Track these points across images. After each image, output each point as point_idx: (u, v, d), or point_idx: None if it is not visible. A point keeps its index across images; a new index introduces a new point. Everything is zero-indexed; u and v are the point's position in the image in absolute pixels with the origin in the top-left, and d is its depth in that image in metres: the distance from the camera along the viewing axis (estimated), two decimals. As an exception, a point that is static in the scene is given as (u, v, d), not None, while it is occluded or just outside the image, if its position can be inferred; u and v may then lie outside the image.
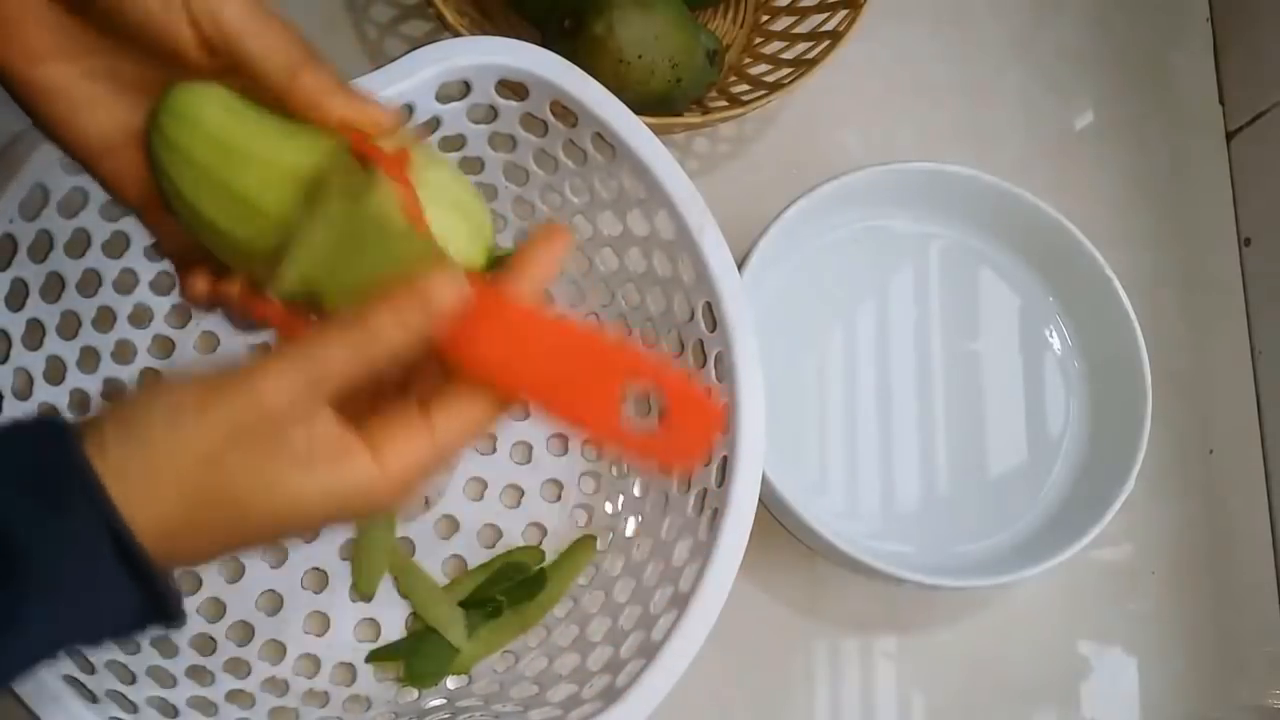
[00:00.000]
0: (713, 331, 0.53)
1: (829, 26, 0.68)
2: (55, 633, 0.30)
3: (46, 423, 0.31)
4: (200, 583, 0.57)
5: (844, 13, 0.67)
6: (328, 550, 0.59)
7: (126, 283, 0.57)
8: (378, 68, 0.51)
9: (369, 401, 0.34)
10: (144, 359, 0.59)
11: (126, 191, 0.37)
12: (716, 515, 0.49)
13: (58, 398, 0.54)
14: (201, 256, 0.37)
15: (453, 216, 0.35)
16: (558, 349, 0.34)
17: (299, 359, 0.31)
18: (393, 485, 0.33)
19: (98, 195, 0.53)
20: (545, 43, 0.54)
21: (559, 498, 0.62)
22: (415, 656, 0.57)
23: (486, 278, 0.35)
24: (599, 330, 0.33)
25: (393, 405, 0.34)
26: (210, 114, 0.35)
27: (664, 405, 0.34)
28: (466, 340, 0.33)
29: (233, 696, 0.53)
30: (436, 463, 0.34)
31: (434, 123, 0.55)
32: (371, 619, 0.58)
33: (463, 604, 0.58)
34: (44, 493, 0.29)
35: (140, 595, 0.30)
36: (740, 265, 0.55)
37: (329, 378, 0.32)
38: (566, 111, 0.54)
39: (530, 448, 0.63)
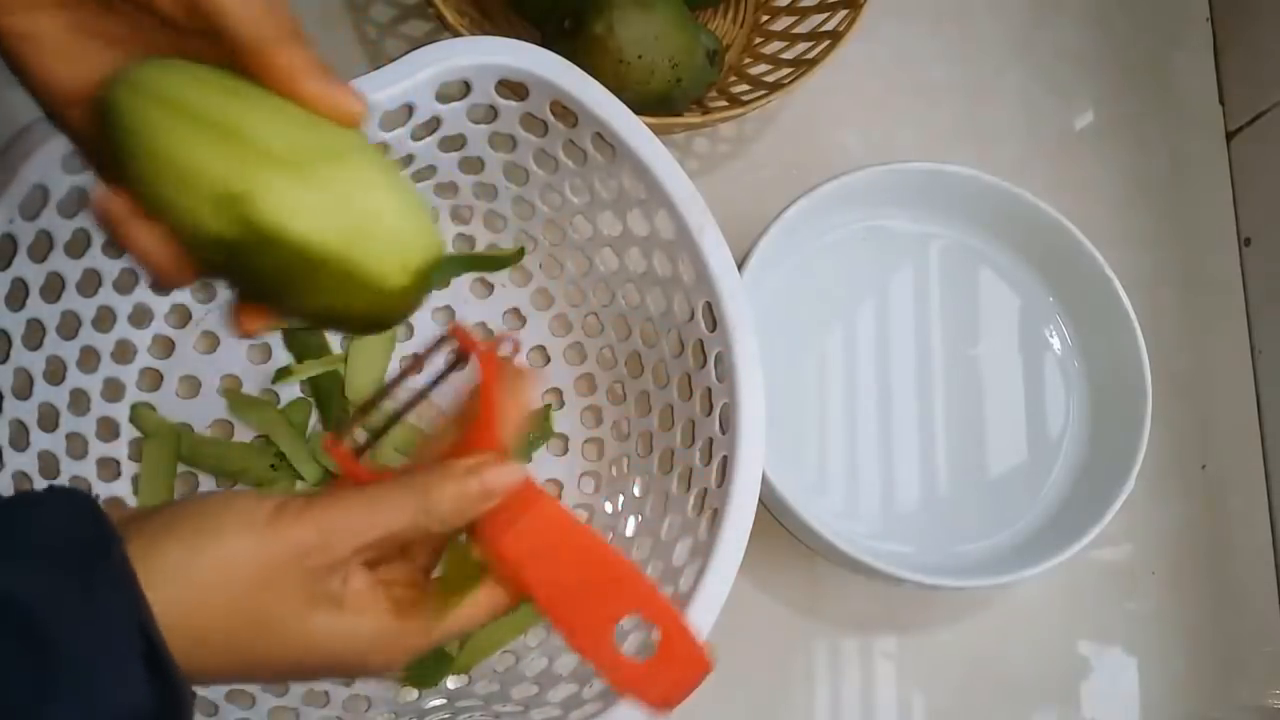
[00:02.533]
0: (713, 331, 0.53)
1: (829, 26, 0.68)
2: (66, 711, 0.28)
3: (81, 500, 0.30)
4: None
5: (844, 13, 0.67)
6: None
7: (126, 282, 0.57)
8: (378, 68, 0.51)
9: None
10: (144, 359, 0.59)
11: (88, 145, 0.36)
12: (716, 515, 0.49)
13: (58, 397, 0.54)
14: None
15: (395, 222, 0.35)
16: (576, 559, 0.36)
17: (358, 509, 0.33)
18: (406, 646, 0.34)
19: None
20: (545, 43, 0.54)
21: (559, 497, 0.62)
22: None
23: (534, 485, 0.37)
24: (617, 552, 0.36)
25: (425, 578, 0.36)
26: (164, 84, 0.33)
27: (658, 642, 0.36)
28: (504, 536, 0.36)
29: (233, 696, 0.53)
30: (445, 640, 0.36)
31: (434, 123, 0.55)
32: (371, 619, 0.58)
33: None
34: (83, 584, 0.28)
35: (156, 700, 0.29)
36: (740, 265, 0.55)
37: (383, 536, 0.33)
38: (566, 111, 0.54)
39: (530, 448, 0.63)
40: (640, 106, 0.54)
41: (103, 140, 0.34)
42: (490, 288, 0.65)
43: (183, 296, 0.60)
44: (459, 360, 0.39)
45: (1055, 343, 0.70)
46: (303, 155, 0.33)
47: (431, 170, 0.60)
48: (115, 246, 0.36)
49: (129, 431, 0.58)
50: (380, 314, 0.35)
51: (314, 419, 0.60)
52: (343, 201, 0.33)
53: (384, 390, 0.40)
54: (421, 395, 0.39)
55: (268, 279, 0.34)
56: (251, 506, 0.32)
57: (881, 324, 0.69)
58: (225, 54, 0.34)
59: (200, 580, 0.30)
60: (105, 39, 0.35)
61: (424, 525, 0.34)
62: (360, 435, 0.40)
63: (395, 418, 0.39)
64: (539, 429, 0.63)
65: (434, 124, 0.55)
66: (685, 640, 0.36)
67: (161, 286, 0.36)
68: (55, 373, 0.54)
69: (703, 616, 0.47)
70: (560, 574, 0.36)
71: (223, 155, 0.32)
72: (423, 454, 0.38)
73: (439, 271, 0.36)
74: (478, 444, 0.36)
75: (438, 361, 0.39)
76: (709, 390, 0.55)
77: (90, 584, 0.28)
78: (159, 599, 0.29)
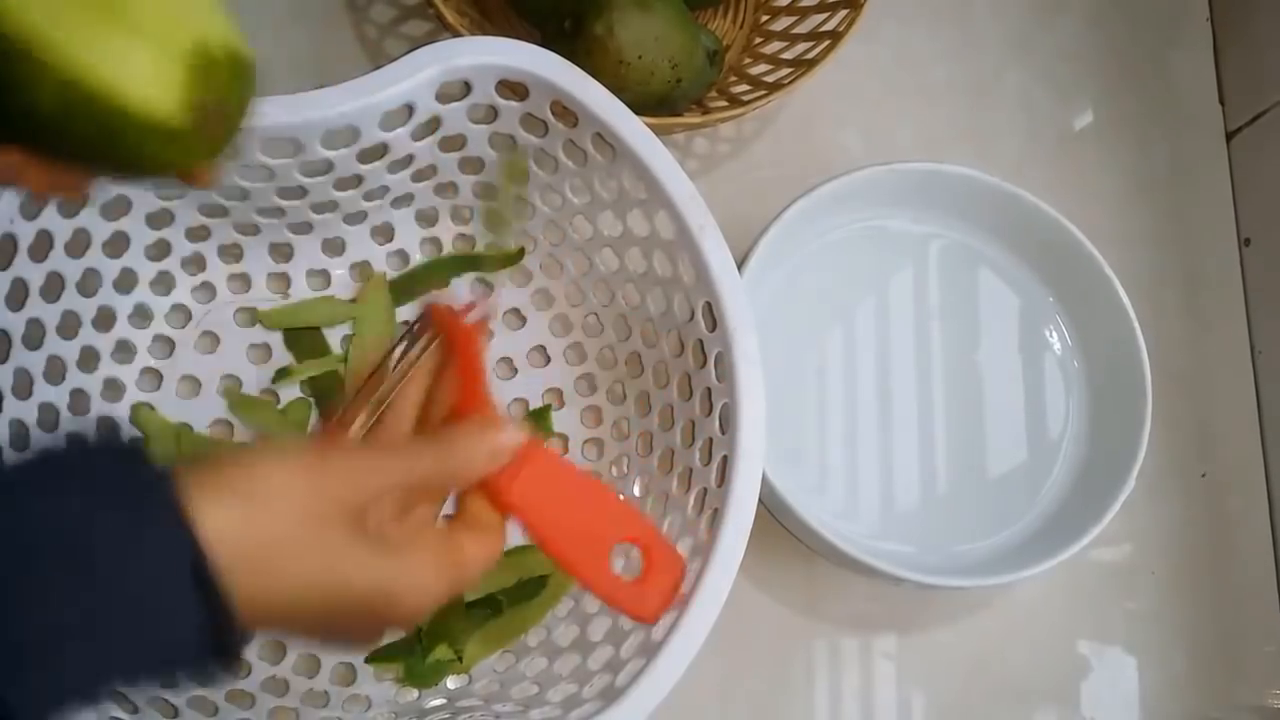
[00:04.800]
0: (713, 331, 0.53)
1: (829, 26, 0.68)
2: (118, 645, 0.28)
3: (130, 442, 0.31)
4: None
5: (844, 13, 0.67)
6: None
7: (127, 282, 0.57)
8: (378, 68, 0.51)
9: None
10: (144, 358, 0.59)
11: None
12: (716, 515, 0.49)
13: (58, 397, 0.54)
14: None
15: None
16: (573, 500, 0.40)
17: (399, 458, 0.37)
18: (429, 597, 0.36)
19: (98, 195, 0.53)
20: (545, 43, 0.54)
21: (559, 498, 0.62)
22: (415, 656, 0.57)
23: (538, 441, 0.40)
24: (606, 489, 0.43)
25: (434, 527, 0.40)
26: None
27: (645, 562, 0.40)
28: (512, 485, 0.39)
29: (233, 696, 0.53)
30: (462, 585, 0.38)
31: (434, 123, 0.55)
32: (371, 619, 0.58)
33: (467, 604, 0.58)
34: (133, 517, 0.29)
35: (202, 619, 0.29)
36: (740, 265, 0.55)
37: (417, 480, 0.37)
38: (567, 112, 0.54)
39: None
40: (640, 107, 0.54)
41: None
42: (490, 288, 0.65)
43: (182, 296, 0.60)
44: (439, 334, 0.43)
45: (1055, 343, 0.70)
46: None
47: (432, 170, 0.60)
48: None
49: (129, 431, 0.58)
50: (157, 148, 0.31)
51: (314, 419, 0.60)
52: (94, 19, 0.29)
53: (376, 374, 0.42)
54: (406, 372, 0.42)
55: (14, 113, 0.29)
56: (299, 447, 0.34)
57: (881, 324, 0.69)
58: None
59: (251, 507, 0.31)
60: None
61: (444, 478, 0.38)
62: (359, 421, 0.42)
63: (387, 396, 0.42)
64: (539, 429, 0.63)
65: (434, 124, 0.55)
66: (664, 551, 0.41)
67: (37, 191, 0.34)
68: (55, 373, 0.54)
69: (703, 616, 0.47)
70: (560, 515, 0.40)
71: None
72: (421, 427, 0.42)
73: (225, 90, 0.32)
74: (468, 409, 0.41)
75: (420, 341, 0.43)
76: (709, 390, 0.55)
77: (140, 517, 0.29)
78: (211, 534, 0.29)
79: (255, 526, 0.31)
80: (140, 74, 0.29)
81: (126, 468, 0.30)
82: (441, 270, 0.64)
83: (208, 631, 0.30)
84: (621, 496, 0.42)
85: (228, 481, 0.31)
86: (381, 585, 0.34)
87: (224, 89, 0.32)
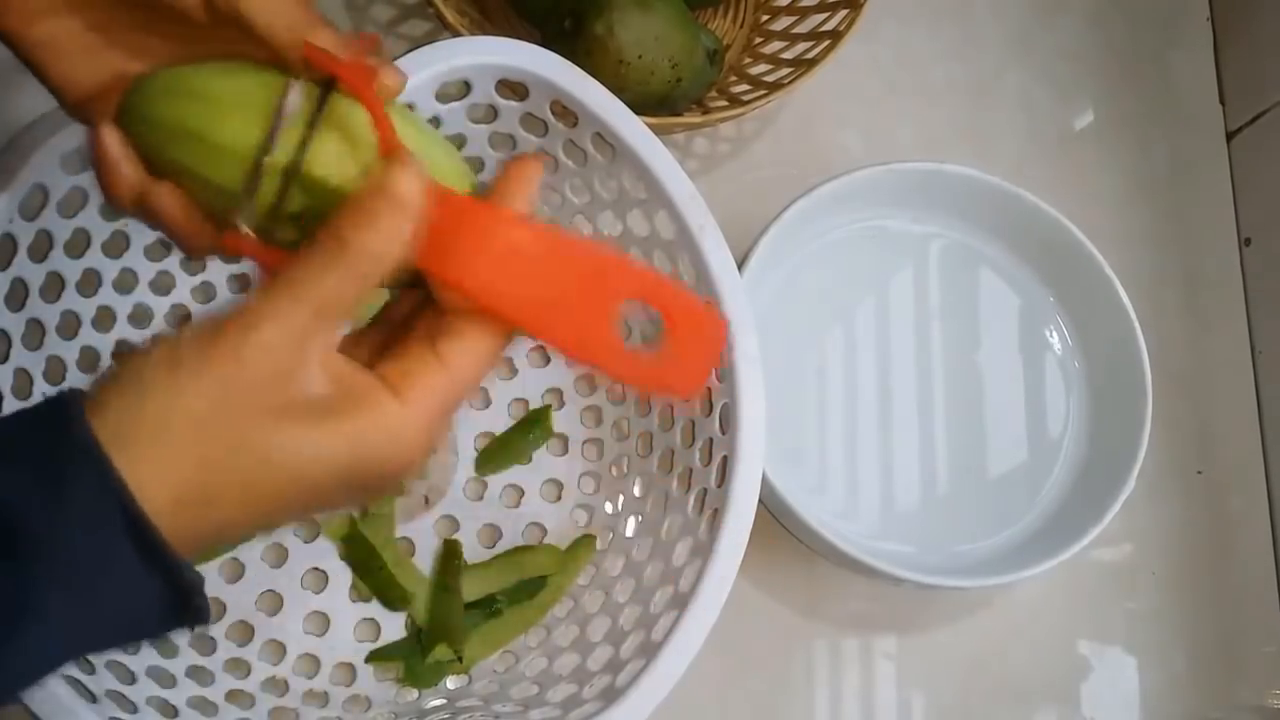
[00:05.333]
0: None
1: (829, 26, 0.68)
2: (73, 625, 0.27)
3: (54, 396, 0.29)
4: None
5: (844, 13, 0.67)
6: (327, 550, 0.58)
7: (126, 282, 0.57)
8: (378, 68, 0.51)
9: (377, 349, 0.34)
10: (144, 359, 0.59)
11: None
12: (716, 515, 0.49)
13: (58, 398, 0.54)
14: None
15: (433, 154, 0.35)
16: (547, 267, 0.32)
17: (288, 293, 0.30)
18: (420, 425, 0.31)
19: (97, 195, 0.53)
20: (545, 43, 0.54)
21: (559, 498, 0.62)
22: (415, 656, 0.57)
23: (468, 197, 0.34)
24: (591, 244, 0.31)
25: (402, 345, 0.33)
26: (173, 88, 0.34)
27: (663, 324, 0.32)
28: (456, 266, 0.32)
29: (232, 696, 0.53)
30: (457, 398, 0.32)
31: (434, 122, 0.55)
32: (371, 619, 0.58)
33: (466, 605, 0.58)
34: (49, 469, 0.27)
35: (158, 584, 0.28)
36: (740, 265, 0.55)
37: (325, 306, 0.30)
38: (566, 111, 0.54)
39: (530, 448, 0.63)
40: (640, 106, 0.54)
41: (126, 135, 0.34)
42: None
43: (182, 297, 0.60)
44: (326, 87, 0.33)
45: (1055, 343, 0.70)
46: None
47: (431, 170, 0.60)
48: (144, 216, 0.35)
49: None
50: None
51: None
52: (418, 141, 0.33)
53: (263, 151, 0.33)
54: (305, 142, 0.33)
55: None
56: (194, 345, 0.29)
57: (881, 324, 0.69)
58: (247, 48, 0.34)
59: (156, 436, 0.28)
60: (121, 37, 0.35)
61: (362, 274, 0.30)
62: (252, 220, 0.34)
63: (288, 174, 0.33)
64: (539, 429, 0.63)
65: (434, 124, 0.55)
66: (690, 309, 0.32)
67: (193, 251, 0.35)
68: (55, 373, 0.54)
69: (703, 617, 0.47)
70: (536, 289, 0.32)
71: (254, 123, 0.32)
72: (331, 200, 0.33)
73: None
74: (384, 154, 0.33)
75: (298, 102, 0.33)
76: (709, 390, 0.55)
77: (56, 461, 0.27)
78: (139, 472, 0.27)
79: (178, 465, 0.28)
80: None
81: (49, 435, 0.28)
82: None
83: (166, 597, 0.28)
84: (616, 251, 0.31)
85: (134, 425, 0.28)
86: (348, 458, 0.30)
87: None
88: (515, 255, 0.32)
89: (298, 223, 0.34)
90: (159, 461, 0.28)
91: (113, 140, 0.34)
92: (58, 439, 0.27)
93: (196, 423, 0.28)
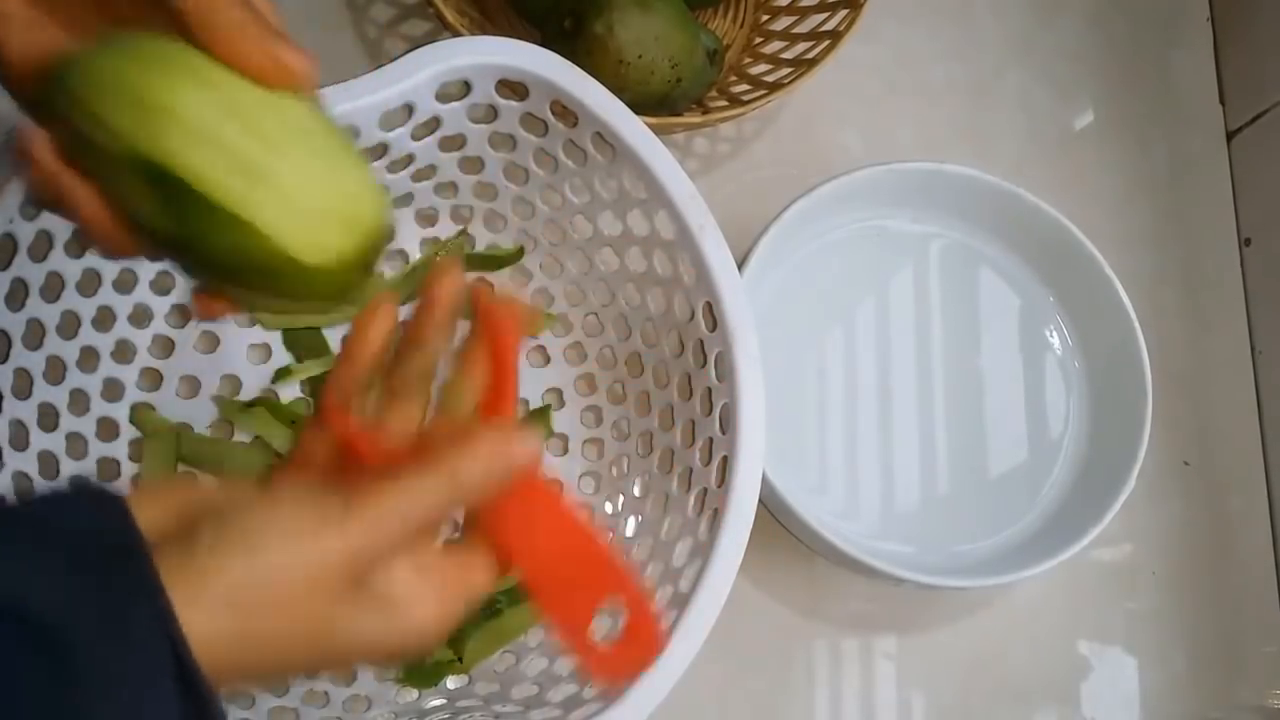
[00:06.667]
0: (713, 331, 0.53)
1: (829, 26, 0.68)
2: None
3: (110, 502, 0.29)
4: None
5: (844, 13, 0.67)
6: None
7: (126, 282, 0.57)
8: (378, 68, 0.51)
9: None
10: (144, 359, 0.59)
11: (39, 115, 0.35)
12: (716, 516, 0.49)
13: (57, 397, 0.54)
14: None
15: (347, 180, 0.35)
16: (567, 545, 0.36)
17: (401, 505, 0.32)
18: (442, 627, 0.34)
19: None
20: (545, 43, 0.54)
21: (559, 498, 0.62)
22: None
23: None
24: (604, 541, 0.36)
25: (439, 555, 0.35)
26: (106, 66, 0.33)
27: (625, 630, 0.36)
28: (502, 505, 0.35)
29: (233, 697, 0.53)
30: (468, 605, 0.35)
31: (434, 122, 0.55)
32: (371, 619, 0.58)
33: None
34: (106, 588, 0.27)
35: (185, 713, 0.28)
36: (740, 265, 0.55)
37: (418, 525, 0.33)
38: (567, 111, 0.54)
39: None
40: (640, 106, 0.54)
41: (47, 113, 0.34)
42: (490, 288, 0.65)
43: (183, 296, 0.60)
44: (473, 327, 0.38)
45: (1055, 343, 0.70)
46: (231, 134, 0.33)
47: (432, 170, 0.60)
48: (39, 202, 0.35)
49: (129, 431, 0.58)
50: (311, 293, 0.35)
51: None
52: (264, 180, 0.33)
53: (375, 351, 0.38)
54: (422, 356, 0.38)
55: (201, 257, 0.34)
56: (293, 513, 0.31)
57: (881, 324, 0.69)
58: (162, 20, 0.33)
59: (246, 597, 0.29)
60: (61, 11, 0.35)
61: (454, 506, 0.34)
62: (358, 407, 0.38)
63: (404, 380, 0.38)
64: (539, 429, 0.62)
65: (434, 124, 0.55)
66: (648, 625, 0.36)
67: (108, 252, 0.35)
68: (55, 373, 0.54)
69: (703, 617, 0.47)
70: (552, 559, 0.36)
71: (150, 131, 0.32)
72: (434, 424, 0.38)
73: (370, 253, 0.36)
74: (492, 413, 0.36)
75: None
76: (709, 390, 0.55)
77: (113, 594, 0.27)
78: (199, 615, 0.28)
79: (246, 625, 0.29)
80: (293, 235, 0.34)
81: (108, 551, 0.28)
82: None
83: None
84: (616, 553, 0.37)
85: (220, 582, 0.29)
86: (384, 642, 0.33)
87: (369, 248, 0.36)
88: (549, 528, 0.36)
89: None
90: (219, 616, 0.29)
91: (39, 147, 0.33)
92: (121, 568, 0.28)
93: (283, 592, 0.30)
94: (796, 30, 0.71)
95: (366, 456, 0.36)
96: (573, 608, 0.36)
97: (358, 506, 0.32)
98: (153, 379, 0.59)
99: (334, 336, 0.62)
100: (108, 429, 0.57)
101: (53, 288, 0.53)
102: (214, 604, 0.29)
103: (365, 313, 0.38)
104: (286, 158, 0.34)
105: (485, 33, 0.57)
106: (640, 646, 0.37)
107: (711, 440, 0.54)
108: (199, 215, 0.33)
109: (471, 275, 0.64)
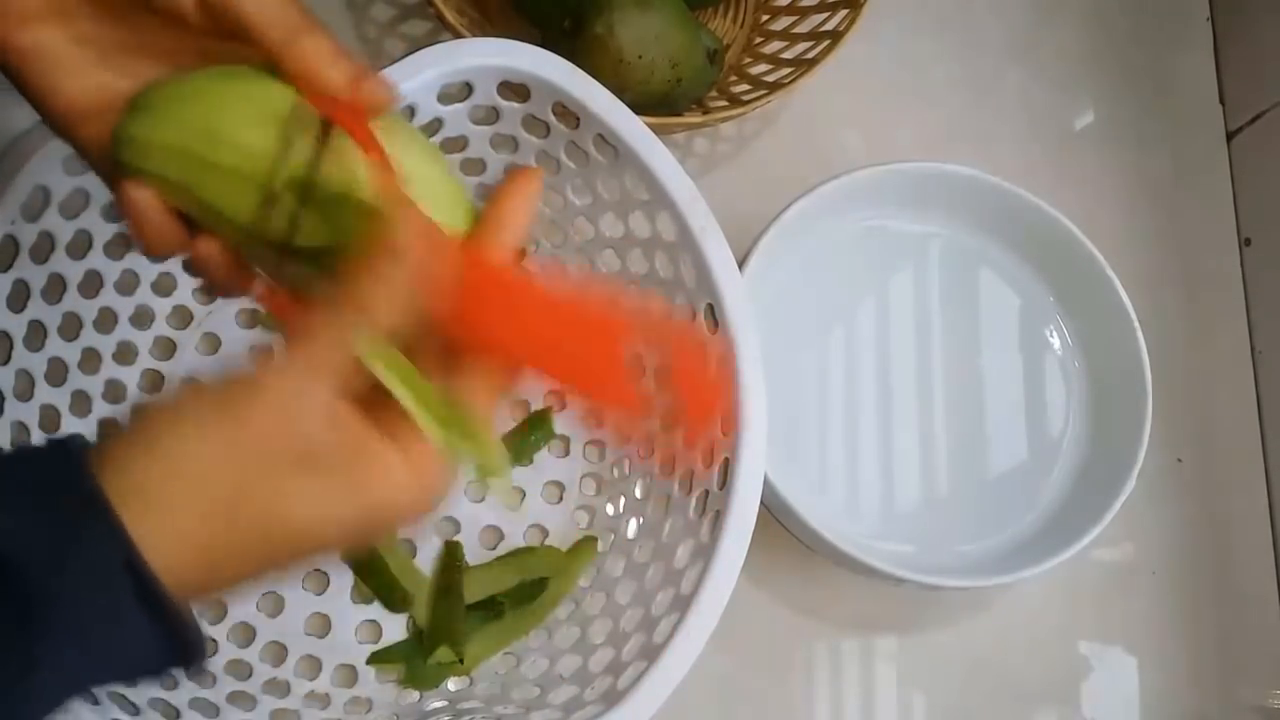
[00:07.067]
0: (714, 333, 0.53)
1: (829, 26, 0.68)
2: (78, 673, 0.28)
3: (58, 443, 0.29)
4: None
5: (844, 13, 0.67)
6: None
7: (128, 284, 0.57)
8: (378, 68, 0.51)
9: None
10: (145, 360, 0.59)
11: (101, 161, 0.35)
12: (718, 518, 0.49)
13: (59, 399, 0.54)
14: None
15: (430, 189, 0.34)
16: (552, 314, 0.33)
17: (299, 352, 0.30)
18: (425, 473, 0.31)
19: (99, 196, 0.53)
20: (545, 43, 0.54)
21: (560, 499, 0.62)
22: (416, 658, 0.57)
23: (469, 240, 0.34)
24: (591, 291, 0.33)
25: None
26: (180, 99, 0.34)
27: (667, 362, 0.33)
28: (462, 313, 0.32)
29: (234, 698, 0.53)
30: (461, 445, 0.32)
31: (436, 124, 0.55)
32: (373, 620, 0.58)
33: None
34: (57, 522, 0.27)
35: (160, 635, 0.28)
36: (740, 265, 0.55)
37: (331, 362, 0.30)
38: (568, 113, 0.54)
39: (531, 448, 0.63)
40: (640, 106, 0.54)
41: (118, 163, 0.34)
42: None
43: (184, 298, 0.60)
44: (325, 130, 0.33)
45: (1055, 343, 0.70)
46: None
47: (432, 171, 0.60)
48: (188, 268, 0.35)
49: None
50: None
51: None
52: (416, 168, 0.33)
53: (271, 175, 0.33)
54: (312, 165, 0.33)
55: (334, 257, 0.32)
56: (201, 403, 0.30)
57: (881, 324, 0.69)
58: (243, 53, 0.33)
59: (172, 493, 0.28)
60: (114, 49, 0.35)
61: (370, 331, 0.31)
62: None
63: (298, 194, 0.33)
64: (541, 430, 0.63)
65: (435, 125, 0.55)
66: (694, 342, 0.35)
67: (227, 294, 0.36)
68: (57, 374, 0.54)
69: (705, 620, 0.47)
70: (543, 335, 0.33)
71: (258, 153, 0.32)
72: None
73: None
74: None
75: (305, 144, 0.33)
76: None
77: (68, 521, 0.27)
78: (146, 528, 0.28)
79: (184, 520, 0.29)
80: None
81: (56, 482, 0.28)
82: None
83: (165, 646, 0.29)
84: (616, 295, 0.33)
85: (141, 481, 0.28)
86: (352, 511, 0.30)
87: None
88: (522, 305, 0.33)
89: (314, 261, 0.34)
90: (165, 517, 0.28)
91: (139, 194, 0.34)
92: (65, 492, 0.28)
93: (202, 480, 0.29)
94: (796, 30, 0.71)
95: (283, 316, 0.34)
96: (595, 372, 0.33)
97: (264, 378, 0.30)
98: (154, 380, 0.59)
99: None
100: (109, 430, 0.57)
101: (54, 289, 0.53)
102: (148, 509, 0.28)
103: None
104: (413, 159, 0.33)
105: (485, 33, 0.57)
106: (700, 365, 0.34)
107: (713, 442, 0.54)
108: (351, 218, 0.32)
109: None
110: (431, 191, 0.34)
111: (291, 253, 0.33)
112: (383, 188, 0.32)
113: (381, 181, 0.32)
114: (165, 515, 0.28)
